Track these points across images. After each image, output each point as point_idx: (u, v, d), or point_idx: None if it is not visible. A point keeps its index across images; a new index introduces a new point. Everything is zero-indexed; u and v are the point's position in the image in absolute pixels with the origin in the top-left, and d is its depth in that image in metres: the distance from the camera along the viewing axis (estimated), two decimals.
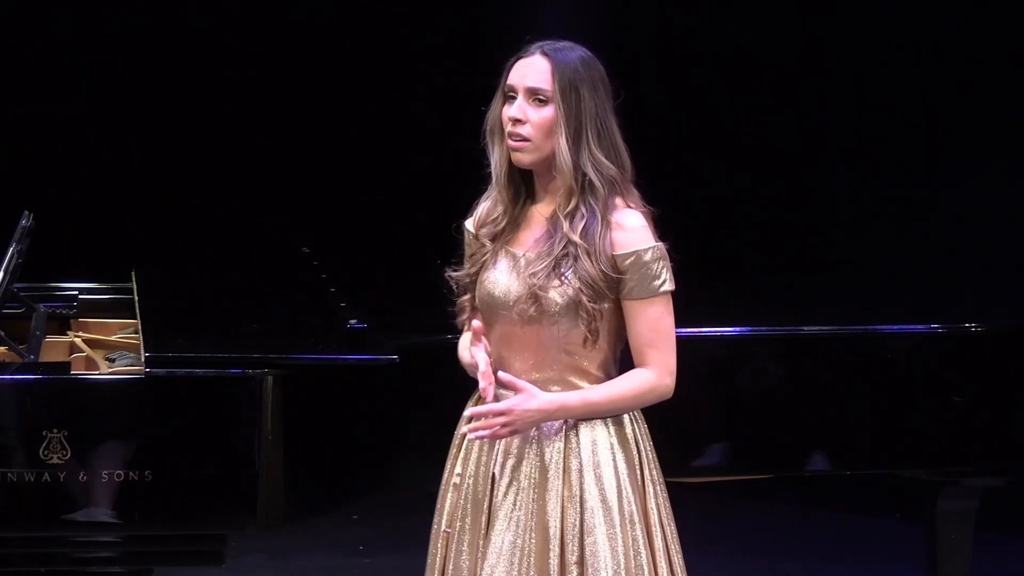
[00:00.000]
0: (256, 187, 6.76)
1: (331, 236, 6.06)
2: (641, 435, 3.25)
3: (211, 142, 6.78)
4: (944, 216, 6.89)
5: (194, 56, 6.76)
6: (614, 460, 3.19)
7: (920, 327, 4.44)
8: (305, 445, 3.80)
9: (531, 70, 3.18)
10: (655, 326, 3.19)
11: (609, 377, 3.23)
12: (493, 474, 3.21)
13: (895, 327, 4.43)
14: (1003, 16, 6.82)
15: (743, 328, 4.27)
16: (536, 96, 3.17)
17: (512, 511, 3.18)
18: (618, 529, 3.15)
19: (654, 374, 3.20)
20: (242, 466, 3.73)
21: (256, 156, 6.79)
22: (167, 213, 6.73)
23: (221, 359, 3.77)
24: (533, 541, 3.16)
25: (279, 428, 3.74)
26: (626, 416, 3.23)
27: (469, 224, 3.33)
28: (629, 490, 3.18)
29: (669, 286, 3.19)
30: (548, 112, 3.16)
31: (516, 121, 3.16)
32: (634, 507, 3.17)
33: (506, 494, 3.19)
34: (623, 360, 3.27)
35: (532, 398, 3.14)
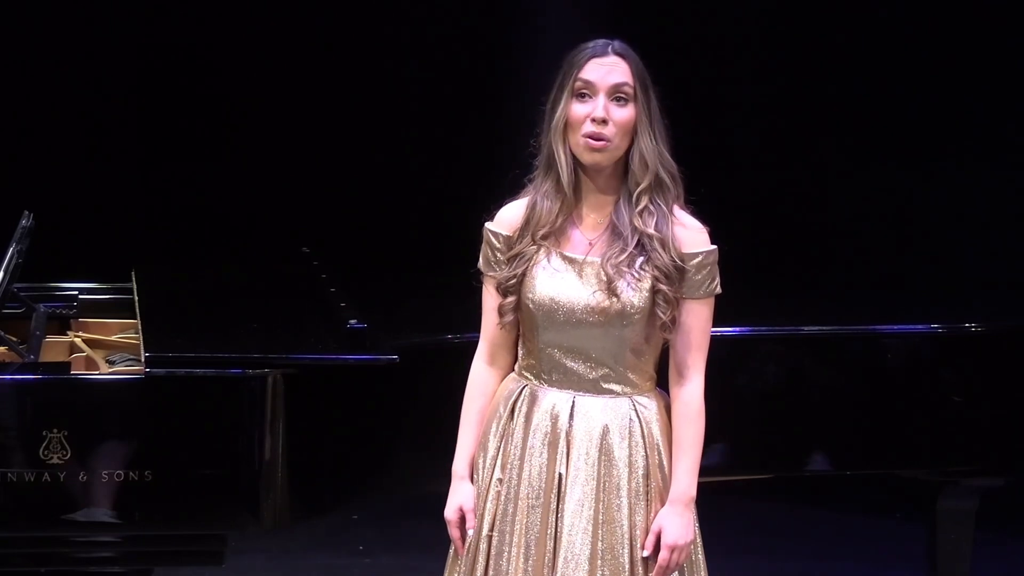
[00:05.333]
0: (256, 187, 6.75)
1: (331, 236, 6.06)
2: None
3: (211, 142, 6.78)
4: (944, 216, 6.89)
5: (194, 56, 6.75)
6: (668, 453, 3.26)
7: (920, 327, 4.45)
8: (305, 445, 3.79)
9: (614, 68, 3.17)
10: (705, 327, 3.24)
11: (658, 373, 3.28)
12: (559, 474, 3.22)
13: (895, 327, 4.43)
14: (1004, 19, 6.82)
15: (743, 328, 4.27)
16: (618, 94, 3.17)
17: (582, 510, 3.19)
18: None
19: (698, 391, 3.23)
20: (242, 466, 3.73)
21: (256, 156, 6.78)
22: (167, 213, 6.73)
23: (221, 359, 3.77)
24: (603, 542, 3.18)
25: (279, 428, 3.74)
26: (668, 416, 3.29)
27: (496, 227, 3.30)
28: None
29: (720, 289, 3.24)
30: (630, 111, 3.17)
31: (601, 121, 3.15)
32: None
33: (575, 493, 3.19)
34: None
35: (671, 517, 3.18)
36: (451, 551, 3.35)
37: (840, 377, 4.37)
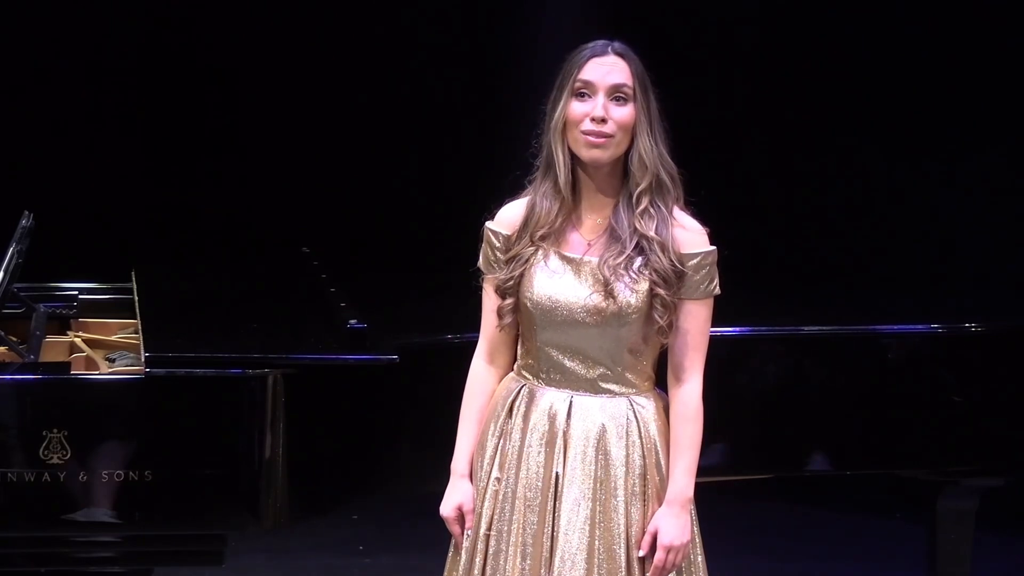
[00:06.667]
0: (256, 187, 6.76)
1: (331, 236, 6.06)
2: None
3: (211, 142, 6.78)
4: (944, 215, 6.89)
5: (194, 56, 6.76)
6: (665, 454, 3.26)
7: (920, 327, 4.45)
8: (305, 445, 3.79)
9: (614, 68, 3.18)
10: (703, 328, 3.23)
11: (656, 373, 3.27)
12: (556, 474, 3.22)
13: (895, 327, 4.43)
14: (1004, 19, 6.82)
15: (743, 328, 4.27)
16: (617, 94, 3.17)
17: (579, 510, 3.19)
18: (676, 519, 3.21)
19: (696, 391, 3.23)
20: (242, 466, 3.73)
21: (256, 156, 6.79)
22: (167, 213, 6.73)
23: (221, 359, 3.77)
24: (600, 542, 3.18)
25: (279, 428, 3.74)
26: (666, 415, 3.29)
27: (496, 226, 3.31)
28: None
29: (718, 290, 3.24)
30: (629, 110, 3.18)
31: (600, 120, 3.16)
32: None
33: (571, 493, 3.19)
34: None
35: (668, 518, 3.18)
36: (450, 551, 3.36)
37: (840, 377, 4.37)
